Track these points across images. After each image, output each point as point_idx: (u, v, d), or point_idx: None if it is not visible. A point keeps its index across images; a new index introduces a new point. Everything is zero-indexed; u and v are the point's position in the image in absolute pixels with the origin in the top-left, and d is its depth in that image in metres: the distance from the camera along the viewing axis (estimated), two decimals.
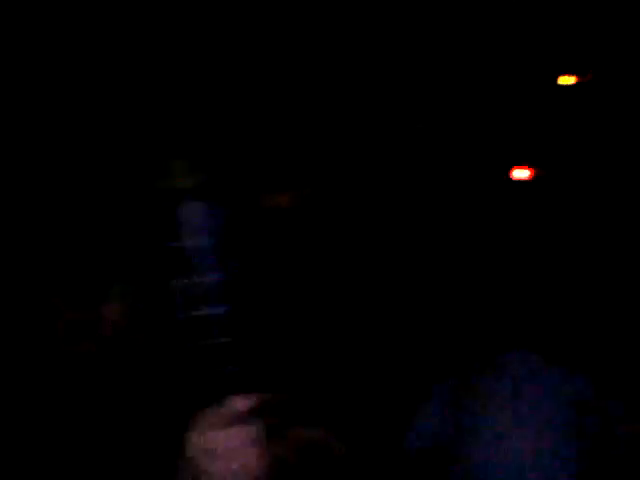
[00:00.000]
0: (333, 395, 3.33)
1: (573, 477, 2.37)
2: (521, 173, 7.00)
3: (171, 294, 0.94)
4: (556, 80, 6.29)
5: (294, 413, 1.12)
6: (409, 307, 4.89)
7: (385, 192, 5.49)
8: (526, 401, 2.43)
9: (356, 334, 4.41)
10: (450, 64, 5.72)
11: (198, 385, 0.96)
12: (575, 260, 5.75)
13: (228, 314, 0.93)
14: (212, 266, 0.91)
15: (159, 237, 0.93)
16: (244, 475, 0.92)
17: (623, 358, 4.41)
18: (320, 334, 4.10)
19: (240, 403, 0.95)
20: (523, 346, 2.55)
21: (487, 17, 5.54)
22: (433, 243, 5.53)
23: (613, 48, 6.30)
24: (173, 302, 0.94)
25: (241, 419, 0.94)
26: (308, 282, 4.32)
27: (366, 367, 4.19)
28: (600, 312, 5.08)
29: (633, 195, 6.38)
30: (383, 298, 4.84)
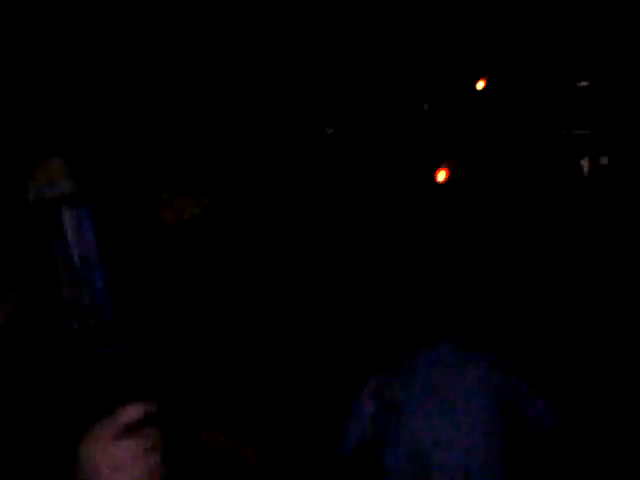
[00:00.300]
0: (248, 402, 3.31)
1: (499, 456, 2.44)
2: (440, 175, 7.14)
3: (56, 302, 0.90)
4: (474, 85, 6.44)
5: (197, 420, 1.10)
6: (324, 305, 4.89)
7: (295, 197, 5.50)
8: (452, 386, 2.49)
9: (268, 336, 4.38)
10: (362, 69, 5.78)
11: (88, 395, 0.93)
12: (497, 256, 5.89)
13: (115, 322, 0.91)
14: (95, 274, 0.88)
15: (41, 244, 0.90)
16: None
17: (542, 348, 4.53)
18: (222, 339, 4.06)
19: (132, 412, 0.91)
20: (448, 335, 2.61)
21: (404, 23, 5.61)
22: (354, 243, 5.57)
23: (525, 53, 6.50)
24: (59, 310, 0.91)
25: (133, 429, 0.91)
26: (201, 288, 4.29)
27: (282, 371, 4.17)
28: (523, 306, 5.21)
29: (541, 191, 6.58)
30: (295, 300, 4.84)
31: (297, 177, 5.61)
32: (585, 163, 6.92)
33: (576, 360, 4.52)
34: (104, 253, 0.87)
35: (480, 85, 6.50)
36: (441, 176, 7.02)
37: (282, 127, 5.39)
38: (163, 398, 0.96)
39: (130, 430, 0.90)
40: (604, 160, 6.79)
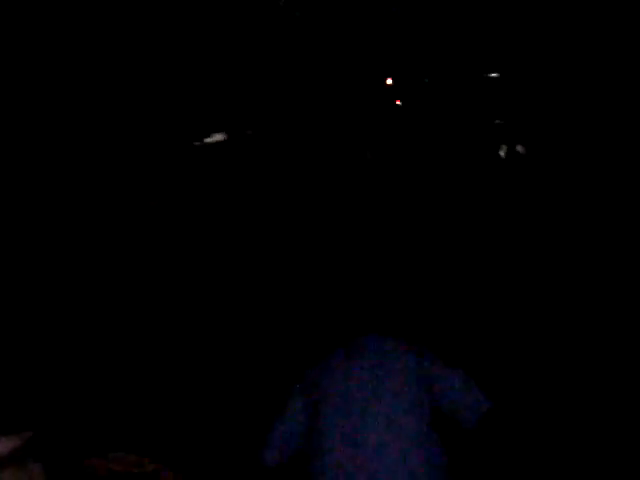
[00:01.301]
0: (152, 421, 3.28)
1: (425, 455, 2.41)
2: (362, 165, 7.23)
3: None
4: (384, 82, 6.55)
5: (87, 445, 1.13)
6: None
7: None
8: (377, 385, 2.45)
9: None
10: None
11: None
12: (420, 248, 6.01)
13: None
14: None
15: None
16: None
17: (471, 339, 4.64)
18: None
19: (4, 445, 0.93)
20: (377, 330, 2.61)
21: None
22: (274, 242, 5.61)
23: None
24: None
25: (8, 461, 0.93)
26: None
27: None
28: (448, 298, 5.32)
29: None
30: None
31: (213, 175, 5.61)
32: (502, 151, 7.12)
33: (503, 350, 4.62)
34: None
35: (389, 81, 6.62)
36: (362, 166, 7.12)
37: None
38: (42, 427, 0.99)
39: (4, 463, 0.91)
40: (520, 148, 7.00)
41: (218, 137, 5.35)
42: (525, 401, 3.78)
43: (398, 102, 6.62)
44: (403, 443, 2.35)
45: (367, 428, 2.37)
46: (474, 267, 5.72)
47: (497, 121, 7.52)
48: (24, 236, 4.42)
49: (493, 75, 6.71)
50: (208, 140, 5.36)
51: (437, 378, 2.53)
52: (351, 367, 2.50)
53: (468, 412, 2.50)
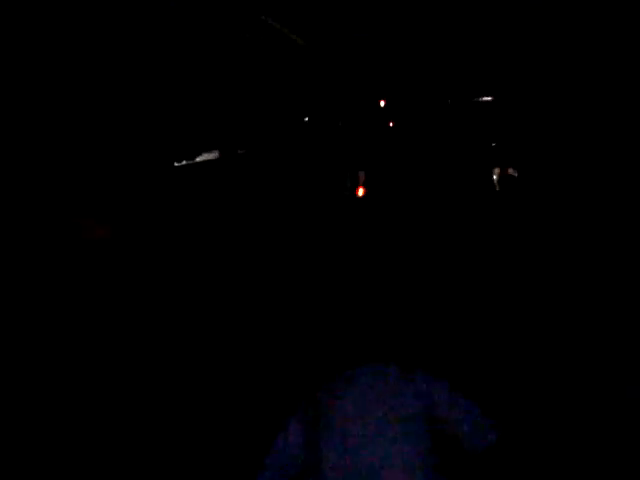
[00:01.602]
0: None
1: None
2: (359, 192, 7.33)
3: None
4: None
5: None
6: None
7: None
8: (378, 413, 2.42)
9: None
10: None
11: None
12: (419, 269, 6.04)
13: None
14: None
15: None
16: None
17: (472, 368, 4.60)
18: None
19: None
20: (374, 359, 2.56)
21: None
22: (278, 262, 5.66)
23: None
24: None
25: None
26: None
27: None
28: (450, 319, 5.29)
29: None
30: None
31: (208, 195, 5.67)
32: (495, 173, 7.21)
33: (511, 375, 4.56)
34: None
35: (383, 103, 6.73)
36: (360, 192, 7.21)
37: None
38: None
39: None
40: (512, 171, 7.09)
41: (209, 156, 5.44)
42: (531, 423, 3.75)
43: (391, 124, 6.73)
44: (404, 473, 2.34)
45: (368, 460, 2.37)
46: (469, 288, 5.75)
47: (493, 144, 7.62)
48: (23, 236, 4.52)
49: (487, 99, 6.81)
50: (200, 158, 5.46)
51: (441, 407, 2.50)
52: (352, 400, 2.47)
53: (473, 442, 2.49)
